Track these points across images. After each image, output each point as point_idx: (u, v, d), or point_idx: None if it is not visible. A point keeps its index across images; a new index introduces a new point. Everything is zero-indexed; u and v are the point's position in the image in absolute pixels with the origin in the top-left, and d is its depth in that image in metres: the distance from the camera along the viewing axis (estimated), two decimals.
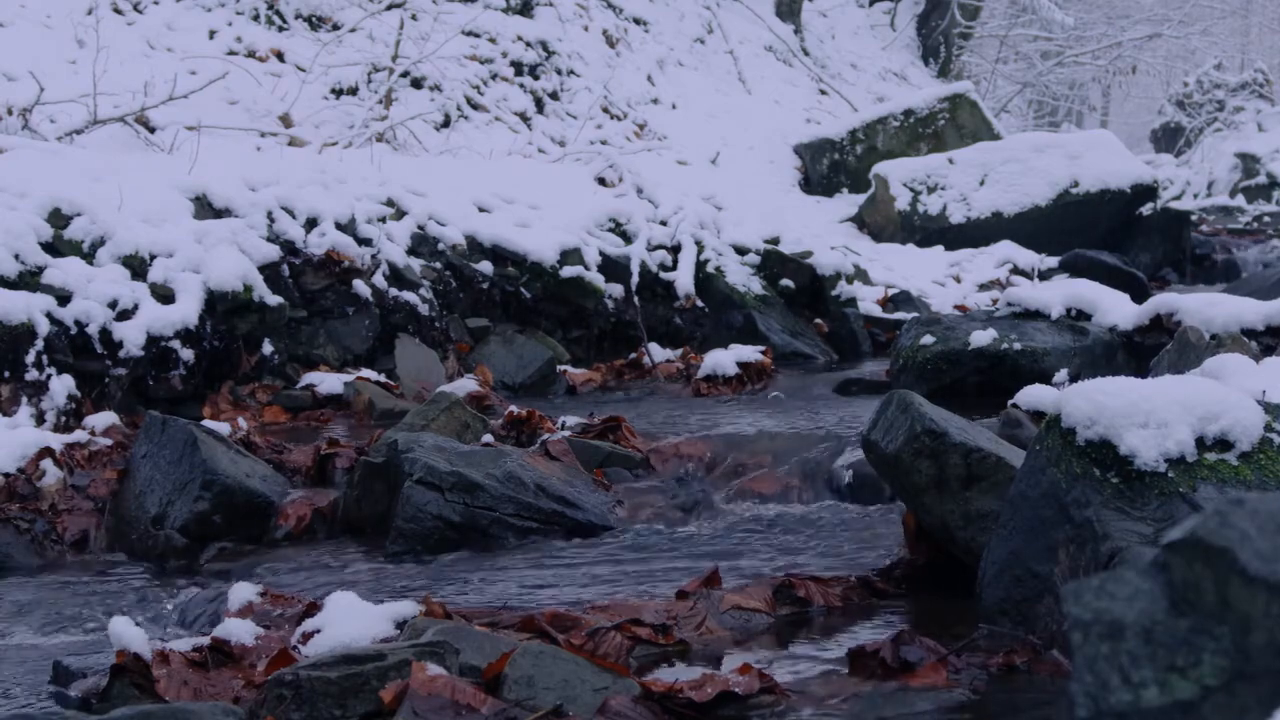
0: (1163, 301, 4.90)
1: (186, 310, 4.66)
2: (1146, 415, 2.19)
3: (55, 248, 4.57)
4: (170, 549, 3.41)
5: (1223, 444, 2.21)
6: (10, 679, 2.49)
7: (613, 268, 6.26)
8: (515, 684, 1.97)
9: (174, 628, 2.82)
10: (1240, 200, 15.84)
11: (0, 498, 3.57)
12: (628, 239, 6.47)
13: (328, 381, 4.92)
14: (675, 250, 6.57)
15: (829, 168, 12.20)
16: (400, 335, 5.39)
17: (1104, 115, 32.15)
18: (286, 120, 8.17)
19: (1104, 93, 31.63)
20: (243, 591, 2.69)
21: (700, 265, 6.56)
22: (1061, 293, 5.23)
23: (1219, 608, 1.00)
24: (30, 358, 4.20)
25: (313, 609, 2.54)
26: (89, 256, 4.63)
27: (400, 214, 5.86)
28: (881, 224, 10.50)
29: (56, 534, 3.53)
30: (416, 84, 9.46)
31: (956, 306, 7.44)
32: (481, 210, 6.23)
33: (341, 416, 4.77)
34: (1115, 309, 5.08)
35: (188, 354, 4.67)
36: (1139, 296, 5.67)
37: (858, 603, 2.68)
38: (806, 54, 15.73)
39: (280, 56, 9.11)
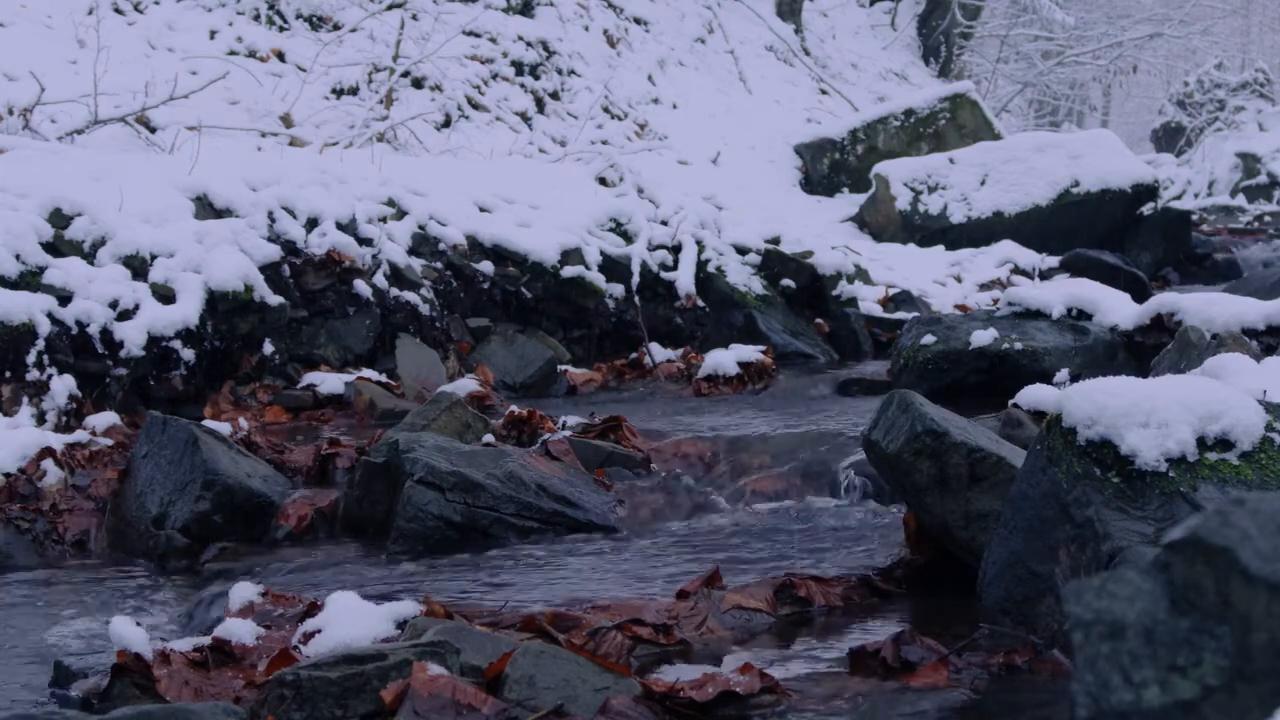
0: (1163, 301, 4.90)
1: (187, 310, 4.66)
2: (1147, 415, 2.19)
3: (56, 248, 4.57)
4: (171, 549, 3.41)
5: (1223, 444, 2.21)
6: (11, 679, 2.49)
7: (613, 268, 6.26)
8: (516, 684, 1.97)
9: (175, 627, 2.82)
10: (1241, 200, 15.82)
11: (1, 498, 3.57)
12: (628, 239, 6.47)
13: (329, 381, 4.92)
14: (676, 250, 6.56)
15: (829, 167, 12.20)
16: (401, 335, 5.39)
17: (1105, 115, 32.13)
18: (287, 120, 8.17)
19: (1105, 92, 31.62)
20: (243, 591, 2.69)
21: (701, 265, 6.56)
22: (1062, 292, 5.23)
23: (1220, 607, 1.00)
24: (31, 358, 4.21)
25: (313, 609, 2.54)
26: (90, 256, 4.63)
27: (401, 214, 5.86)
28: (882, 224, 10.50)
29: (57, 534, 3.53)
30: (417, 84, 9.46)
31: (957, 306, 7.44)
32: (482, 210, 6.23)
33: (342, 416, 4.77)
34: (1116, 309, 5.08)
35: (189, 354, 4.67)
36: (1140, 296, 5.67)
37: (859, 602, 2.68)
38: (807, 54, 15.72)
39: (281, 56, 9.11)
